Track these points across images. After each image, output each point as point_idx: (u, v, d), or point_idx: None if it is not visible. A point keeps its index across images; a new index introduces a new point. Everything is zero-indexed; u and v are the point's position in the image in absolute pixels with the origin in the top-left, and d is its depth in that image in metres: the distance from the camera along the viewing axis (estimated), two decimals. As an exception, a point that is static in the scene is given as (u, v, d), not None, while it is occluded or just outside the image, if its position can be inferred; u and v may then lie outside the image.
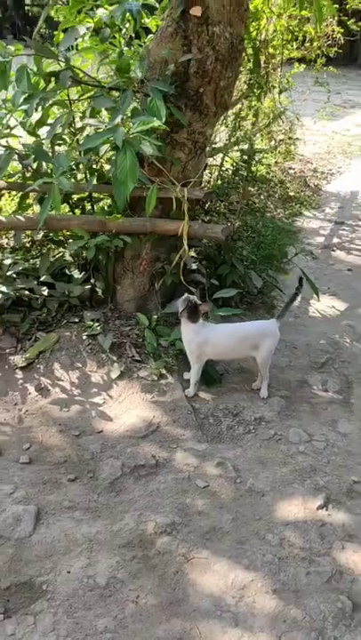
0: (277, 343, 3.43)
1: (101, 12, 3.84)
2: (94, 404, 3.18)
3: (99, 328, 3.54)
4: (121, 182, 2.66)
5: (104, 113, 3.61)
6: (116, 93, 3.37)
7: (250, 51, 4.51)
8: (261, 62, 4.98)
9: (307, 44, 6.27)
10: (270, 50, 5.37)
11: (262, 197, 7.28)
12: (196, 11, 3.04)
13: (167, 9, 3.30)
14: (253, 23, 4.80)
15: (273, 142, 8.03)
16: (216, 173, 5.30)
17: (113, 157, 3.06)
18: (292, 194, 7.95)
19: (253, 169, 7.23)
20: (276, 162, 8.38)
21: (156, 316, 3.67)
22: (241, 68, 4.43)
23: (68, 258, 3.92)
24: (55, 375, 3.31)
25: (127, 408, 3.16)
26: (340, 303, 4.83)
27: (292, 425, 3.16)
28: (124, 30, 4.04)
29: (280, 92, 6.22)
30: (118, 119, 2.79)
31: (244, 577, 2.22)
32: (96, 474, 2.71)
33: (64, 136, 3.73)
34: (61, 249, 3.95)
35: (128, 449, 2.85)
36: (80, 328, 3.57)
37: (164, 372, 3.39)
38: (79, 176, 3.85)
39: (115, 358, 3.42)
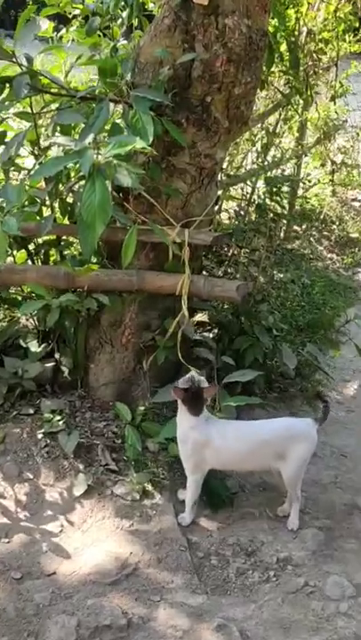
0: (314, 451, 3.41)
1: (92, -5, 4.13)
2: (47, 532, 3.15)
3: (61, 423, 3.56)
4: (87, 224, 2.75)
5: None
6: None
7: (283, 46, 4.71)
8: (302, 61, 5.17)
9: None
10: (317, 44, 5.59)
11: (311, 240, 7.41)
12: None
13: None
14: (290, 10, 5.03)
15: (329, 165, 8.22)
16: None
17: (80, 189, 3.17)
18: (354, 235, 8.09)
19: (300, 200, 7.41)
20: (333, 191, 8.57)
21: (142, 408, 3.69)
22: (274, 67, 4.64)
23: (24, 322, 4.01)
24: (-5, 489, 3.32)
25: (93, 540, 3.13)
26: None
27: (331, 571, 3.08)
28: (120, 19, 4.30)
29: (332, 99, 6.44)
30: (88, 139, 2.91)
31: None
32: (39, 637, 2.66)
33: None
34: (15, 311, 4.04)
35: (89, 601, 2.80)
36: (35, 422, 3.60)
37: (149, 488, 3.38)
38: (46, 211, 3.98)
39: (81, 467, 3.42)
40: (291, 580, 3.04)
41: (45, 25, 3.58)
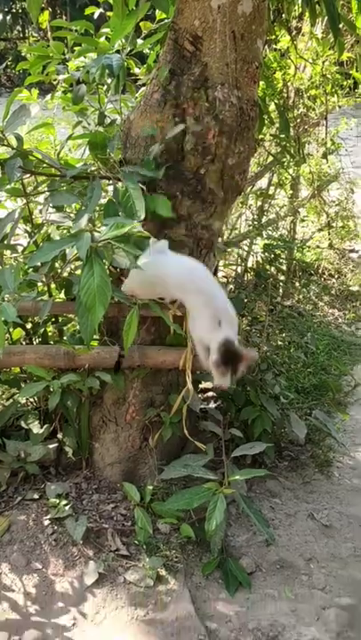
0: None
1: (78, 62, 4.25)
2: (59, 627, 3.13)
3: (67, 508, 3.57)
4: (87, 308, 2.80)
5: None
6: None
7: (272, 107, 4.85)
8: (291, 121, 5.33)
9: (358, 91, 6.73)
10: (305, 104, 5.77)
11: (310, 295, 7.50)
12: None
13: (153, 69, 3.62)
14: (277, 74, 5.21)
15: (324, 218, 8.36)
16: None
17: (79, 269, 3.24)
18: (354, 288, 8.19)
19: (298, 254, 7.53)
20: (330, 244, 8.69)
21: (151, 487, 3.70)
22: (264, 130, 4.78)
23: (24, 402, 4.04)
24: (2, 582, 3.30)
25: (108, 633, 3.11)
26: None
27: (358, 653, 3.07)
28: (106, 86, 4.44)
29: (325, 156, 6.59)
30: (84, 221, 2.99)
31: None
32: None
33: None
34: (14, 391, 4.07)
35: None
36: (41, 508, 3.61)
37: (163, 572, 3.37)
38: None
39: (90, 554, 3.42)
40: (316, 666, 3.03)
41: (36, 109, 3.69)
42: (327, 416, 4.68)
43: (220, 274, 5.16)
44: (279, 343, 5.62)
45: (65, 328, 4.17)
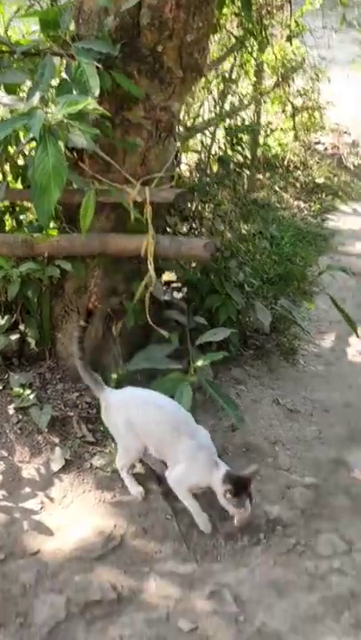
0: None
1: None
2: (27, 511, 3.16)
3: (32, 397, 3.56)
4: (42, 189, 2.72)
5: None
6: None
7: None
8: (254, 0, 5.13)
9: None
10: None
11: (276, 189, 7.42)
12: None
13: None
14: None
15: (289, 109, 8.19)
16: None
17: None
18: (320, 180, 8.12)
19: (262, 147, 7.40)
20: (296, 136, 8.56)
21: (115, 375, 3.69)
22: (225, 9, 4.59)
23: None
24: (-32, 471, 3.32)
25: (75, 515, 3.15)
26: (395, 340, 4.88)
27: (321, 529, 3.15)
28: None
29: (289, 40, 6.40)
30: (36, 98, 2.86)
31: None
32: (29, 618, 2.68)
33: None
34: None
35: (76, 577, 2.83)
36: (5, 398, 3.60)
37: (130, 457, 3.39)
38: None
39: (56, 441, 3.43)
40: (281, 540, 3.09)
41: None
42: (293, 305, 4.69)
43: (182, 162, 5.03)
44: (244, 232, 5.57)
45: (23, 217, 4.06)
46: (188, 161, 5.62)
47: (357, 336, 4.62)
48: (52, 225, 3.69)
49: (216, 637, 2.64)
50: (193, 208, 4.80)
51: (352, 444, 3.77)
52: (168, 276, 4.59)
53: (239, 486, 2.99)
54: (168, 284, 4.54)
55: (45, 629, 2.64)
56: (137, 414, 3.15)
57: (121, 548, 3.01)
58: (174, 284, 4.54)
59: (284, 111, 8.08)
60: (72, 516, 3.15)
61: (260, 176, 7.69)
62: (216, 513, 3.19)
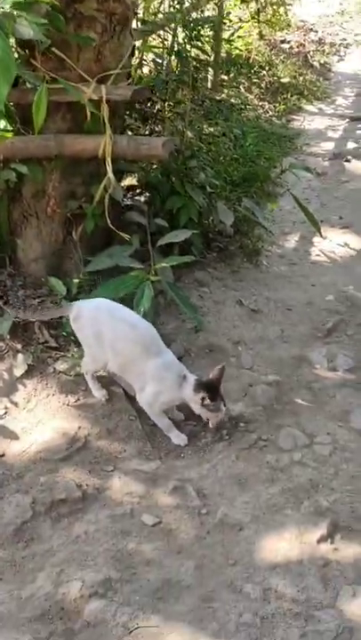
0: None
1: None
2: (-9, 416, 3.20)
3: (-8, 304, 3.54)
4: (-10, 85, 2.63)
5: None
6: None
7: None
8: None
9: None
10: None
11: (241, 89, 7.26)
12: None
13: None
14: None
15: (253, 4, 7.94)
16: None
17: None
18: (285, 80, 7.96)
19: (226, 46, 7.19)
20: (260, 34, 8.34)
21: (77, 280, 3.68)
22: None
23: None
24: None
25: (40, 418, 3.18)
26: (357, 239, 4.88)
27: (283, 424, 3.21)
28: None
29: None
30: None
31: (211, 648, 2.28)
32: (-5, 518, 2.74)
33: None
34: None
35: (42, 478, 2.88)
36: (-35, 306, 3.57)
37: (92, 360, 3.41)
38: None
39: (19, 347, 3.43)
40: (243, 436, 3.15)
41: None
42: (256, 206, 4.65)
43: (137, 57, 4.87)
44: (206, 133, 5.47)
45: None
46: (148, 62, 5.47)
47: (321, 236, 4.62)
48: (6, 127, 3.60)
49: (179, 530, 2.71)
50: (154, 109, 4.70)
51: (315, 341, 3.81)
52: (129, 181, 4.53)
53: (213, 391, 3.01)
54: (129, 188, 4.48)
55: (11, 528, 2.69)
56: (108, 330, 3.12)
57: (85, 449, 3.05)
58: (135, 190, 4.49)
59: (248, 7, 7.83)
60: (36, 420, 3.18)
61: (225, 77, 7.51)
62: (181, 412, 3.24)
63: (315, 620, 2.36)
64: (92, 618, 2.35)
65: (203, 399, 3.00)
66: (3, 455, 3.02)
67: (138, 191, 4.55)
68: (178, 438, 3.15)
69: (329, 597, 2.44)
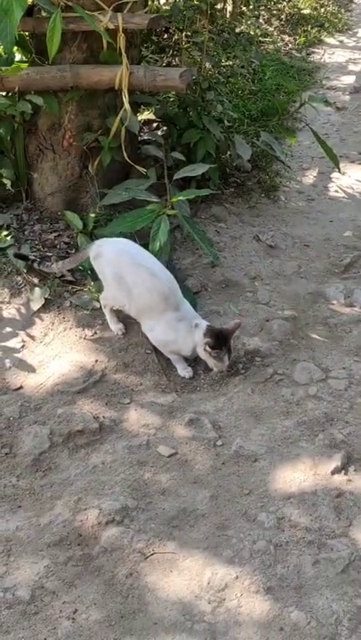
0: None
1: None
2: (9, 349, 3.22)
3: (9, 238, 3.54)
4: (3, 11, 2.58)
5: None
6: None
7: None
8: None
9: None
10: None
11: (260, 21, 7.10)
12: None
13: None
14: None
15: None
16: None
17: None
18: (306, 12, 7.76)
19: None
20: None
21: (93, 215, 3.66)
22: None
23: None
24: None
25: (57, 352, 3.21)
26: (377, 174, 4.81)
27: (299, 359, 3.22)
28: None
29: None
30: None
31: (225, 574, 2.32)
32: (14, 448, 2.78)
33: None
34: None
35: (59, 410, 2.92)
36: (-18, 240, 3.57)
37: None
38: None
39: (36, 281, 3.44)
40: (259, 370, 3.17)
41: None
42: (274, 140, 4.57)
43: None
44: (224, 64, 5.36)
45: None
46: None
47: (339, 171, 4.55)
48: (21, 58, 3.55)
49: (195, 461, 2.74)
50: (170, 41, 4.60)
51: (331, 277, 3.79)
52: (146, 115, 4.47)
53: (220, 339, 3.02)
54: (146, 122, 4.43)
55: (30, 458, 2.74)
56: (129, 273, 3.11)
57: (102, 382, 3.08)
58: (152, 124, 4.43)
59: None
60: (53, 353, 3.21)
61: (244, 8, 7.33)
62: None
63: (327, 547, 2.40)
64: (108, 544, 2.40)
65: (207, 344, 3.01)
66: (21, 388, 3.06)
67: (155, 125, 4.49)
68: (184, 371, 3.18)
69: (342, 527, 2.47)
